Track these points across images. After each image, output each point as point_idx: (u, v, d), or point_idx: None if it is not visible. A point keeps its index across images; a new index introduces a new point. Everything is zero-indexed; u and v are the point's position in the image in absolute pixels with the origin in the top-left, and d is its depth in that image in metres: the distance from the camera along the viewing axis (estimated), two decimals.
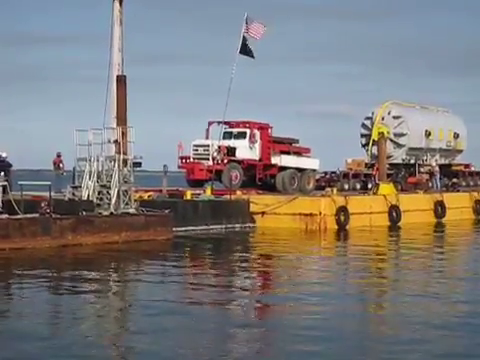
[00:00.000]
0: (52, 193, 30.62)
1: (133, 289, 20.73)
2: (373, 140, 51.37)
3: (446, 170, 56.22)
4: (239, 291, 20.13)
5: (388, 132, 51.18)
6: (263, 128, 45.01)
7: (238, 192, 40.21)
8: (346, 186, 49.47)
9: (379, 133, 49.83)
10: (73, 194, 32.10)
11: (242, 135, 44.03)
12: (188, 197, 37.94)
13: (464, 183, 56.72)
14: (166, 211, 32.90)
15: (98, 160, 32.18)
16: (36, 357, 12.83)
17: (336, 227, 38.31)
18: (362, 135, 54.09)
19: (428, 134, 54.81)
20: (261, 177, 44.19)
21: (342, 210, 38.83)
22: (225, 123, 44.27)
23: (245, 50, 42.93)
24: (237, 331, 14.76)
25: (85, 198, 31.38)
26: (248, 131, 44.10)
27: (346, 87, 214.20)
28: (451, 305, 17.66)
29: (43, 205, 29.48)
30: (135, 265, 25.37)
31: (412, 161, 54.37)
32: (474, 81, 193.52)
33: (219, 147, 42.63)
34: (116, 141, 32.69)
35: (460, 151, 59.33)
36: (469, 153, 60.16)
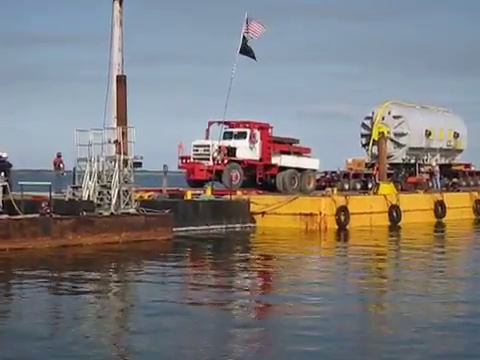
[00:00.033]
0: (52, 193, 30.63)
1: (133, 289, 20.74)
2: (373, 140, 51.37)
3: (446, 170, 56.23)
4: (239, 291, 20.14)
5: (388, 132, 51.18)
6: (263, 128, 45.02)
7: (238, 192, 40.22)
8: (346, 186, 49.48)
9: (379, 133, 49.83)
10: (73, 194, 32.10)
11: (242, 135, 44.04)
12: (188, 197, 37.97)
13: (464, 183, 56.73)
14: (166, 211, 32.91)
15: (98, 160, 32.19)
16: (36, 357, 12.84)
17: (336, 227, 38.32)
18: (362, 135, 54.10)
19: (428, 134, 54.83)
20: (261, 177, 44.19)
21: (342, 210, 38.84)
22: (225, 123, 44.28)
23: (245, 50, 42.95)
24: (237, 331, 14.77)
25: (85, 198, 31.39)
26: (248, 131, 44.11)
27: (346, 87, 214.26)
28: (451, 305, 17.66)
29: (43, 205, 29.49)
30: (135, 265, 25.38)
31: (412, 161, 54.38)
32: (474, 81, 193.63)
33: (219, 147, 42.63)
34: (116, 141, 32.70)
35: (460, 151, 59.34)
36: (469, 153, 60.25)
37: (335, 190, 42.98)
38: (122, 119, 33.34)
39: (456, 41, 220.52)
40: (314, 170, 46.93)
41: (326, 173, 51.09)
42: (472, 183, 57.60)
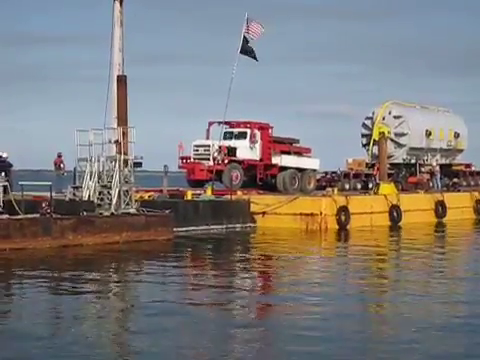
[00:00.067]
0: (53, 193, 30.64)
1: (134, 289, 20.74)
2: (374, 140, 51.37)
3: (447, 170, 56.23)
4: (239, 291, 20.14)
5: (389, 132, 51.17)
6: (264, 128, 45.02)
7: (239, 192, 40.22)
8: (347, 186, 49.46)
9: (380, 133, 49.82)
10: (74, 194, 32.10)
11: (243, 135, 44.04)
12: (189, 197, 37.97)
13: (465, 183, 56.71)
14: (167, 211, 32.91)
15: (99, 160, 32.19)
16: (36, 357, 12.85)
17: (337, 227, 38.32)
18: (363, 135, 54.10)
19: (429, 134, 54.83)
20: (262, 177, 44.20)
21: (343, 210, 38.85)
22: (226, 123, 44.28)
23: (246, 50, 42.94)
24: (237, 331, 14.78)
25: (86, 198, 31.39)
26: (249, 131, 44.11)
27: (346, 87, 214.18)
28: (451, 305, 17.66)
29: (44, 205, 29.50)
30: (136, 265, 25.39)
31: (413, 161, 54.38)
32: (474, 81, 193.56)
33: (220, 147, 42.64)
34: (117, 141, 32.71)
35: (461, 151, 59.34)
36: (470, 153, 60.25)
37: (335, 190, 42.95)
38: (122, 119, 33.36)
39: (456, 41, 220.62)
40: (314, 170, 46.93)
41: (326, 173, 51.08)
42: (472, 183, 57.60)
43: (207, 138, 44.62)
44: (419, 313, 16.65)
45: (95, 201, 31.37)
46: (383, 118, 52.79)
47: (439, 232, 40.89)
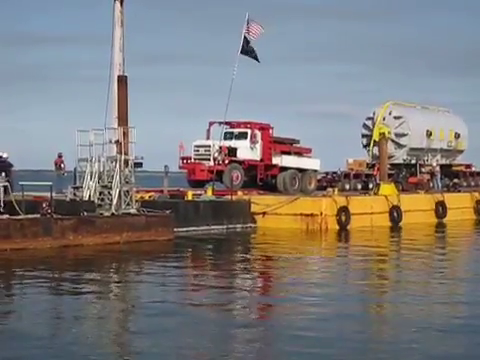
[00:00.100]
0: (53, 194, 30.64)
1: (134, 290, 20.74)
2: (374, 140, 51.37)
3: (447, 170, 56.23)
4: (240, 292, 20.15)
5: (389, 132, 51.16)
6: (264, 128, 45.04)
7: (239, 192, 40.23)
8: (347, 186, 49.50)
9: (380, 133, 49.80)
10: (74, 194, 32.10)
11: (243, 135, 44.06)
12: (189, 197, 37.97)
13: (465, 183, 56.73)
14: (167, 212, 32.92)
15: (99, 160, 32.20)
16: (36, 357, 12.86)
17: (337, 227, 38.33)
18: (363, 135, 54.13)
19: (429, 134, 54.85)
20: (262, 177, 44.21)
21: (343, 210, 38.86)
22: (226, 123, 44.29)
23: (247, 51, 42.92)
24: (237, 331, 14.79)
25: (86, 199, 31.40)
26: (249, 131, 44.13)
27: (346, 87, 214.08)
28: (452, 306, 17.68)
29: (44, 205, 29.51)
30: (136, 266, 25.41)
31: (413, 161, 54.40)
32: (474, 81, 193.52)
33: (220, 147, 42.65)
34: (117, 141, 32.72)
35: (461, 151, 59.36)
36: (470, 153, 60.28)
37: (336, 190, 42.94)
38: (123, 119, 33.36)
39: (456, 41, 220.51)
40: (315, 170, 46.94)
41: (327, 173, 51.11)
42: (473, 183, 57.61)
43: (207, 138, 44.63)
44: (419, 314, 16.66)
45: (95, 201, 31.38)
46: (383, 118, 52.81)
47: (439, 232, 40.89)
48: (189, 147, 43.64)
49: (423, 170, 54.34)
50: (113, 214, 31.32)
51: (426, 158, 55.37)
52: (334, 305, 17.59)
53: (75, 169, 33.64)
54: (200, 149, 43.31)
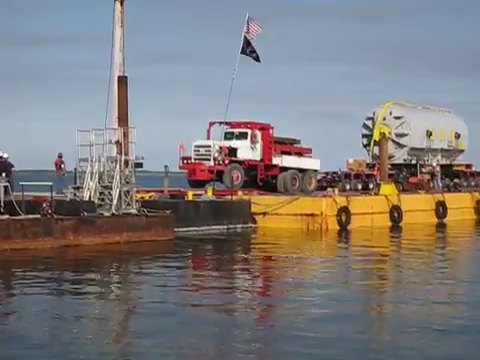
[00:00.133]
0: (54, 194, 30.64)
1: (134, 290, 20.73)
2: (374, 140, 51.40)
3: (447, 170, 56.26)
4: (240, 292, 20.14)
5: (389, 132, 51.23)
6: (264, 128, 45.04)
7: (239, 193, 40.23)
8: (347, 186, 49.51)
9: (380, 133, 49.88)
10: (75, 195, 32.12)
11: (243, 135, 44.06)
12: (190, 198, 37.97)
13: (465, 183, 56.76)
14: (168, 212, 32.92)
15: (100, 161, 32.22)
16: (36, 357, 12.86)
17: (337, 227, 38.32)
18: (363, 135, 54.15)
19: (429, 134, 54.87)
20: (262, 177, 44.21)
21: (343, 210, 38.86)
22: (226, 123, 44.29)
23: (247, 51, 42.88)
24: (238, 332, 14.79)
25: (87, 199, 31.41)
26: (249, 131, 44.13)
27: (347, 87, 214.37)
28: (452, 306, 17.67)
29: (45, 206, 29.50)
30: (136, 266, 25.40)
31: (413, 161, 54.41)
32: (474, 81, 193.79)
33: (220, 148, 42.65)
34: (118, 142, 32.72)
35: (461, 151, 59.38)
36: (470, 153, 60.32)
37: (336, 190, 42.94)
38: (123, 119, 33.38)
39: (456, 41, 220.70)
40: (315, 170, 46.95)
41: (327, 173, 51.09)
42: (473, 183, 57.63)
43: (208, 138, 44.64)
44: (419, 314, 16.65)
45: (96, 201, 31.39)
46: (384, 118, 52.84)
47: (440, 233, 40.87)
48: (189, 147, 43.69)
49: (423, 170, 54.34)
50: (113, 214, 31.32)
51: (426, 158, 55.38)
52: (334, 305, 17.58)
53: (75, 169, 33.67)
54: (200, 149, 43.31)
